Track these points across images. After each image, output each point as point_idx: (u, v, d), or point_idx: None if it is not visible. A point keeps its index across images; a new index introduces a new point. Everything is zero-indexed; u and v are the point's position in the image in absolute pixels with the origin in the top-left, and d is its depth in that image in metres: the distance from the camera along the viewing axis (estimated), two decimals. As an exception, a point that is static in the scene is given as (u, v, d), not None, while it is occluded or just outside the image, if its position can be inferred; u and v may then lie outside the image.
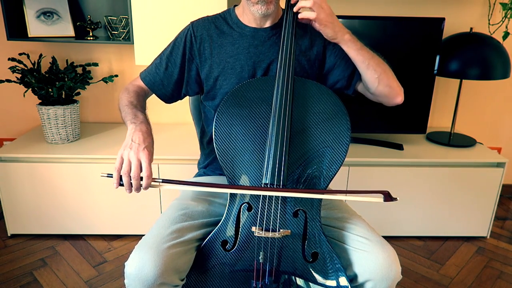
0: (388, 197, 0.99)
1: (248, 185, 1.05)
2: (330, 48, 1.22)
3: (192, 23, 1.23)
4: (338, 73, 1.23)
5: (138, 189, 0.97)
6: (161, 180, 0.99)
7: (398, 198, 1.01)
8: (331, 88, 1.24)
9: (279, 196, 1.03)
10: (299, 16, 1.11)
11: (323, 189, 1.06)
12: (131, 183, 0.96)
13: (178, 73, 1.23)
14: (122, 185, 0.97)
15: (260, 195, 1.03)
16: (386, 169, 1.98)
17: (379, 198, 1.00)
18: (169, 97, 1.28)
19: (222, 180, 1.26)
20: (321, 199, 1.05)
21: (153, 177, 0.97)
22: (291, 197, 1.03)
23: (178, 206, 1.17)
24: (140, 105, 1.16)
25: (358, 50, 1.13)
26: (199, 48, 1.21)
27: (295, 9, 1.11)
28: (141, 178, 0.96)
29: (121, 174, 0.96)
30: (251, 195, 1.04)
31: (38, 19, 2.03)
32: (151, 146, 1.01)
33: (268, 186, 1.02)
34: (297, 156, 1.05)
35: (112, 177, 0.98)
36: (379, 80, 1.16)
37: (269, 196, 1.03)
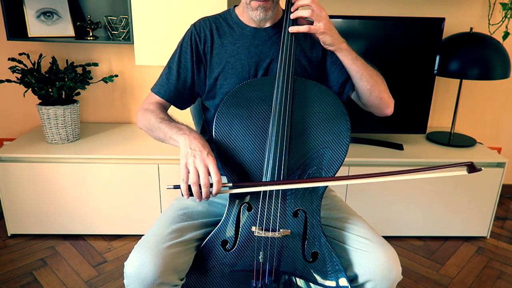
0: (472, 168, 0.95)
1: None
2: (328, 52, 1.22)
3: (193, 25, 1.23)
4: (332, 79, 1.24)
5: (208, 196, 0.96)
6: (231, 185, 0.98)
7: (482, 168, 0.96)
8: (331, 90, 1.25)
9: (279, 196, 1.03)
10: (290, 30, 1.10)
11: (323, 189, 1.06)
12: (200, 191, 0.95)
13: (191, 77, 1.21)
14: (191, 194, 0.96)
15: (260, 195, 1.03)
16: (386, 169, 1.98)
17: (463, 171, 0.96)
18: (186, 105, 1.27)
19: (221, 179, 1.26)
20: (321, 199, 1.05)
21: (223, 182, 0.97)
22: (291, 197, 1.04)
23: (178, 206, 1.17)
24: (172, 119, 1.15)
25: (353, 60, 1.14)
26: (203, 49, 1.20)
27: (292, 17, 1.11)
28: (211, 185, 0.95)
29: (189, 184, 0.95)
30: (251, 194, 1.04)
31: (38, 19, 2.03)
32: (210, 149, 1.01)
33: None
34: (297, 157, 1.05)
35: (179, 188, 0.96)
36: (370, 91, 1.16)
37: (269, 195, 1.03)
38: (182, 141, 1.02)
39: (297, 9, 1.11)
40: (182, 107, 1.27)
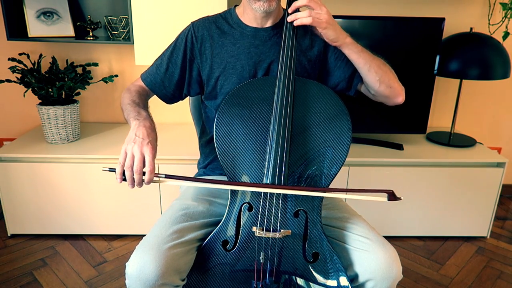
0: (392, 196, 0.98)
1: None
2: (331, 49, 1.22)
3: (192, 23, 1.23)
4: (339, 75, 1.23)
5: (140, 184, 0.97)
6: (163, 175, 0.99)
7: (402, 198, 1.00)
8: (332, 90, 1.25)
9: (279, 196, 1.03)
10: (295, 23, 1.09)
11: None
12: (133, 177, 0.96)
13: (179, 73, 1.23)
14: (125, 179, 0.97)
15: (261, 195, 1.03)
16: (386, 169, 1.98)
17: (383, 198, 0.99)
18: (170, 98, 1.28)
19: (222, 179, 1.26)
20: (322, 199, 1.05)
21: (155, 172, 0.97)
22: (292, 197, 1.03)
23: (179, 206, 1.17)
24: (142, 103, 1.17)
25: (359, 52, 1.14)
26: (200, 48, 1.21)
27: (289, 19, 1.10)
28: (144, 173, 0.96)
29: (124, 168, 0.96)
30: (251, 195, 1.04)
31: (38, 19, 2.03)
32: (155, 141, 1.02)
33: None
34: (298, 156, 1.05)
35: (114, 171, 0.97)
36: (380, 82, 1.16)
37: (269, 196, 1.03)
38: (132, 126, 1.03)
39: (295, 10, 1.10)
40: (166, 100, 1.28)
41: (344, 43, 1.13)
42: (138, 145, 0.96)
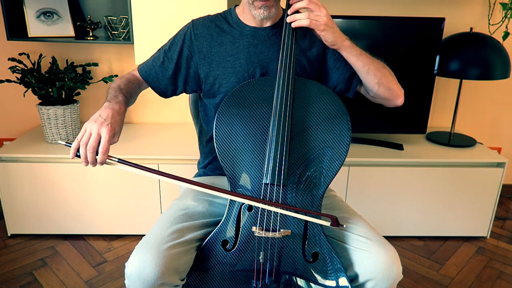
0: (335, 222, 1.01)
1: (249, 184, 1.05)
2: (330, 50, 1.22)
3: (193, 21, 1.24)
4: (338, 76, 1.23)
5: (94, 163, 0.97)
6: (117, 159, 0.99)
7: (344, 225, 1.05)
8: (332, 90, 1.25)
9: (279, 196, 1.03)
10: (293, 25, 1.09)
11: (323, 189, 1.06)
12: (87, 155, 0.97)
13: (173, 69, 1.23)
14: (78, 156, 0.97)
15: (261, 195, 1.03)
16: (386, 169, 1.98)
17: (327, 222, 1.02)
18: (163, 91, 1.28)
19: (221, 180, 1.26)
20: (321, 198, 1.05)
21: (110, 155, 0.98)
22: (292, 197, 1.04)
23: (179, 206, 1.17)
24: (126, 90, 1.16)
25: (357, 56, 1.14)
26: (198, 46, 1.21)
27: (288, 20, 1.10)
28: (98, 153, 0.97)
29: (80, 145, 0.97)
30: (251, 194, 1.04)
31: (38, 19, 2.03)
32: (117, 125, 1.02)
33: (268, 186, 1.02)
34: (297, 156, 1.05)
35: (70, 146, 0.97)
36: (379, 84, 1.16)
37: (269, 196, 1.03)
38: (102, 107, 1.05)
39: (294, 12, 1.10)
40: (159, 93, 1.29)
41: (342, 46, 1.13)
42: (98, 124, 0.97)
